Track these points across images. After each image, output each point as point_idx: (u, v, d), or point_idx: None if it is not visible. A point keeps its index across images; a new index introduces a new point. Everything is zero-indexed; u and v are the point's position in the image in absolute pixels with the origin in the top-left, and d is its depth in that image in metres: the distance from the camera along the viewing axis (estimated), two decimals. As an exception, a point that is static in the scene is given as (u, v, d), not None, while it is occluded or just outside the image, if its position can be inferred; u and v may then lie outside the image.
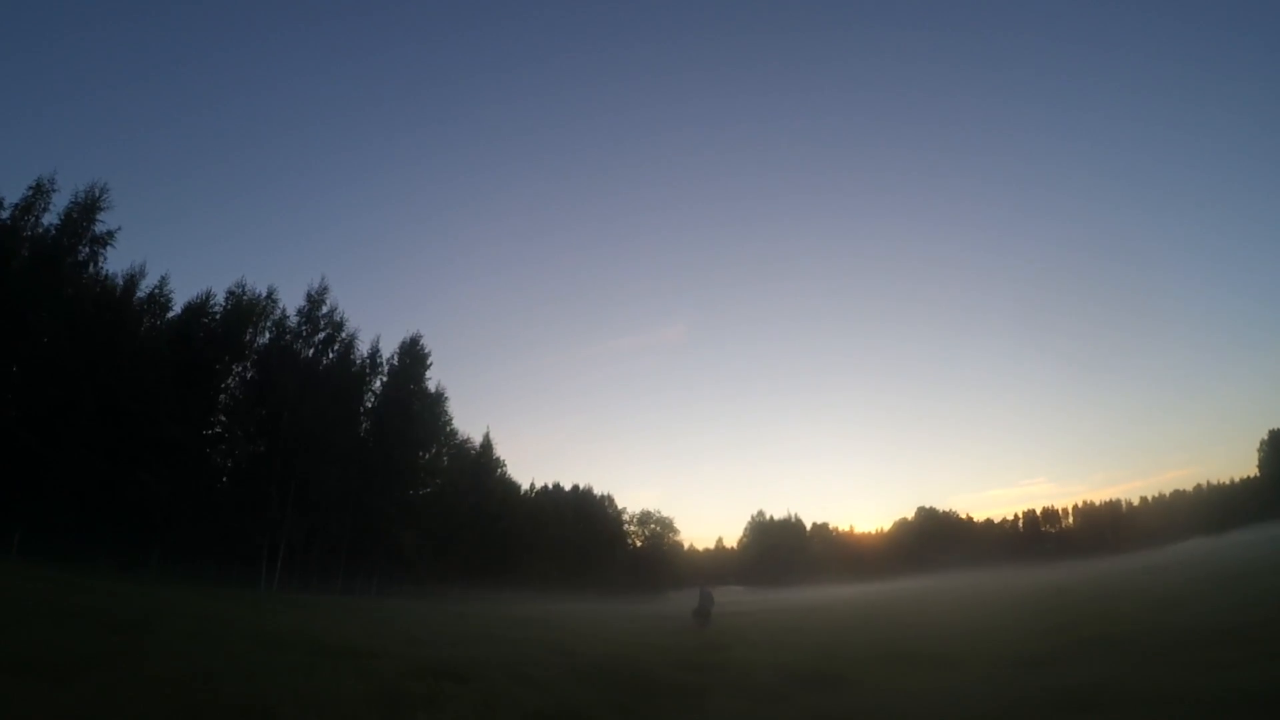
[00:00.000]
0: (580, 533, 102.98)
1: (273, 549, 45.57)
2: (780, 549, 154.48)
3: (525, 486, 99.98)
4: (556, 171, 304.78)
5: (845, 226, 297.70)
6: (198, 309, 48.89)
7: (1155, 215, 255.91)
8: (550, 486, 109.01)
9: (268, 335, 52.40)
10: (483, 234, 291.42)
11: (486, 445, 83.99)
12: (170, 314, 48.89)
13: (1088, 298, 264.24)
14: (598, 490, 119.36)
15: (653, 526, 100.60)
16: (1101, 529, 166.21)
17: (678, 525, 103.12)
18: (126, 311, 43.64)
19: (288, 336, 51.29)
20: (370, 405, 59.28)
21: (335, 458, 50.89)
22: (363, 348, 57.73)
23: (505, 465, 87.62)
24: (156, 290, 48.53)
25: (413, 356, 62.51)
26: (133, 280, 45.66)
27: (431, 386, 64.63)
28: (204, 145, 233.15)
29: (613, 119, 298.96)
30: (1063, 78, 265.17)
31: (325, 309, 53.07)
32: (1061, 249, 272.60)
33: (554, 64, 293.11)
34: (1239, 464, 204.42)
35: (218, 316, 49.95)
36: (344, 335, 54.48)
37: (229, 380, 50.42)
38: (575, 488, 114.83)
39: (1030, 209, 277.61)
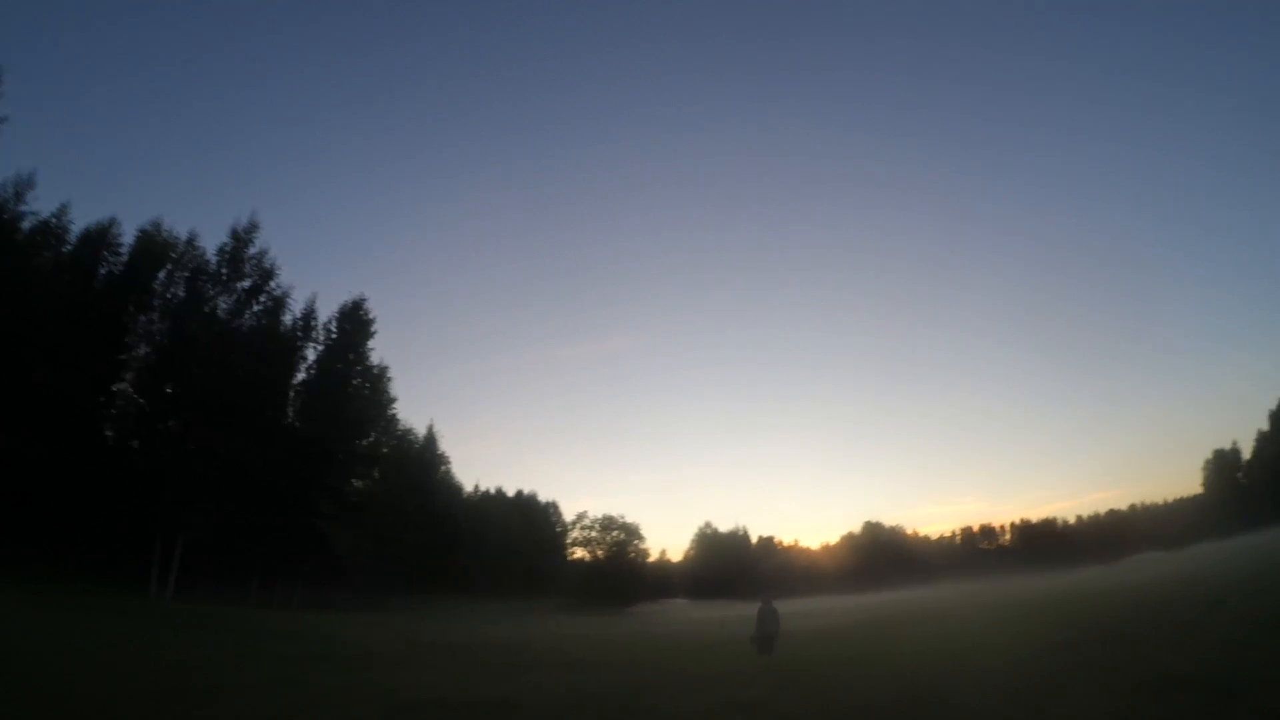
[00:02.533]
0: (528, 541, 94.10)
1: (169, 545, 35.81)
2: (727, 562, 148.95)
3: (469, 489, 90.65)
4: (509, 173, 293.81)
5: (791, 240, 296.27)
6: (96, 238, 39.39)
7: (1105, 236, 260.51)
8: (493, 491, 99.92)
9: (184, 289, 42.80)
10: (432, 222, 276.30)
11: (431, 439, 74.77)
12: (67, 249, 39.28)
13: (1025, 325, 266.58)
14: (542, 498, 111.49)
15: (615, 534, 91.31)
16: (1039, 545, 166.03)
17: (644, 533, 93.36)
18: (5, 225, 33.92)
19: (203, 280, 41.56)
20: (302, 377, 49.68)
21: (257, 435, 41.44)
22: (296, 307, 48.20)
23: (450, 463, 78.27)
24: (54, 219, 39.01)
25: (354, 323, 53.00)
26: (18, 192, 36.03)
27: (375, 361, 55.08)
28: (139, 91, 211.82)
29: (571, 123, 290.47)
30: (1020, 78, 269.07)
31: (253, 250, 43.50)
32: (1000, 276, 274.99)
33: (512, 66, 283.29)
34: (1174, 484, 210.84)
35: (123, 254, 40.35)
36: (274, 287, 44.97)
37: (132, 336, 40.76)
38: (519, 493, 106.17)
39: (981, 232, 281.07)
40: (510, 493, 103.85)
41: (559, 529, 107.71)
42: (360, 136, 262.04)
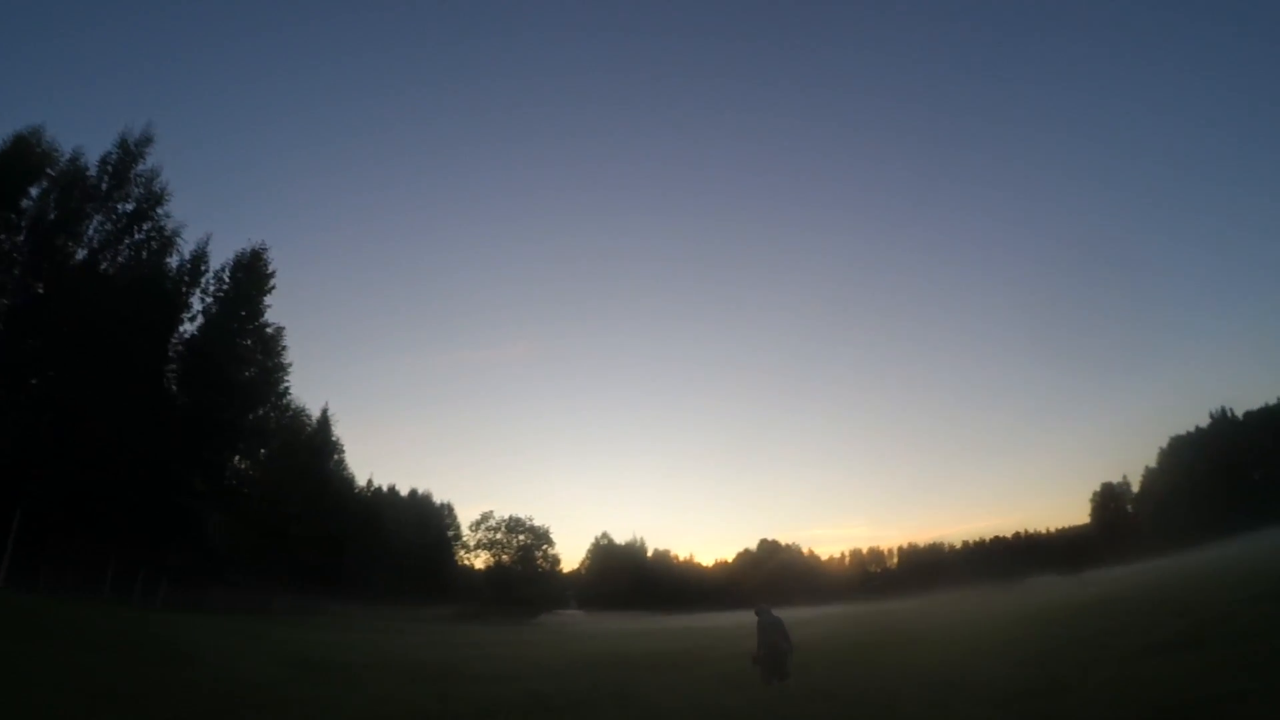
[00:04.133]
0: (425, 543, 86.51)
1: (3, 524, 28.05)
2: (622, 574, 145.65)
3: (361, 483, 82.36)
4: (413, 167, 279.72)
5: (693, 252, 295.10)
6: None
7: (1004, 272, 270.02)
8: (385, 489, 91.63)
9: (54, 209, 34.78)
10: (339, 190, 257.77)
11: (325, 423, 66.81)
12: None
13: (915, 358, 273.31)
14: (437, 499, 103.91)
15: (521, 537, 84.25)
16: (926, 569, 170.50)
17: (553, 537, 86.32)
18: None
19: (77, 195, 33.84)
20: (184, 333, 42.10)
21: (124, 396, 33.95)
22: (185, 249, 40.78)
23: (344, 451, 70.39)
24: None
25: (252, 275, 45.77)
26: None
27: (271, 323, 47.78)
28: None
29: (475, 120, 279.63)
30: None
31: (142, 167, 35.98)
32: (893, 306, 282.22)
33: (410, 66, 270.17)
34: (1057, 514, 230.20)
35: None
36: (162, 216, 37.50)
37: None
38: (414, 492, 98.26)
39: (875, 253, 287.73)
40: (404, 492, 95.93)
41: (452, 532, 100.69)
42: (289, 92, 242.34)
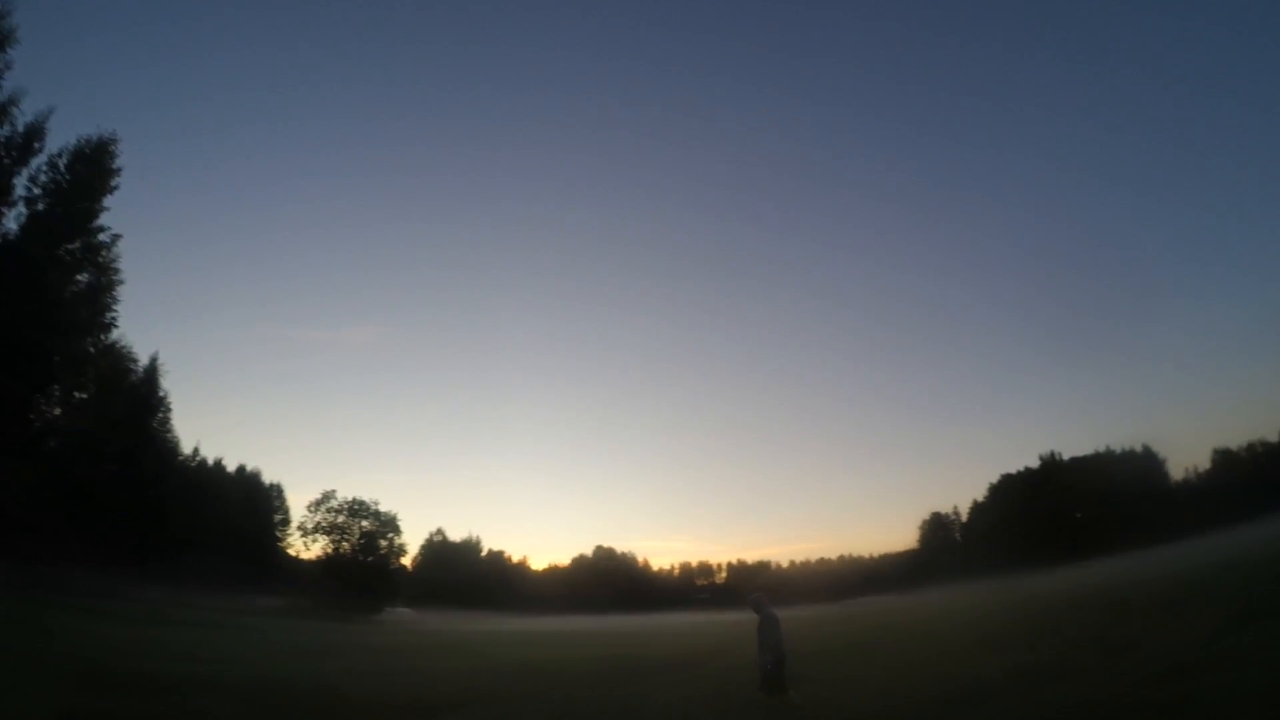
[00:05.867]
0: (253, 525, 75.32)
1: None
2: (457, 573, 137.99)
3: (187, 451, 70.31)
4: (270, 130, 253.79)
5: (534, 250, 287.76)
6: None
7: (851, 298, 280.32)
8: (213, 462, 78.97)
9: None
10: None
11: (153, 373, 55.62)
12: None
13: (752, 382, 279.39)
14: (267, 479, 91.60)
15: (365, 523, 74.30)
16: (754, 584, 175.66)
17: (401, 525, 76.61)
18: None
19: None
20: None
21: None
22: (19, 121, 31.21)
23: (170, 410, 59.09)
24: None
25: (93, 170, 36.45)
26: None
27: (107, 227, 38.21)
28: None
29: (344, 89, 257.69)
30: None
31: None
32: (730, 328, 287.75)
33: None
34: (878, 540, 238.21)
35: None
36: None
37: None
38: (242, 469, 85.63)
39: (713, 277, 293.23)
40: (231, 468, 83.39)
41: (280, 516, 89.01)
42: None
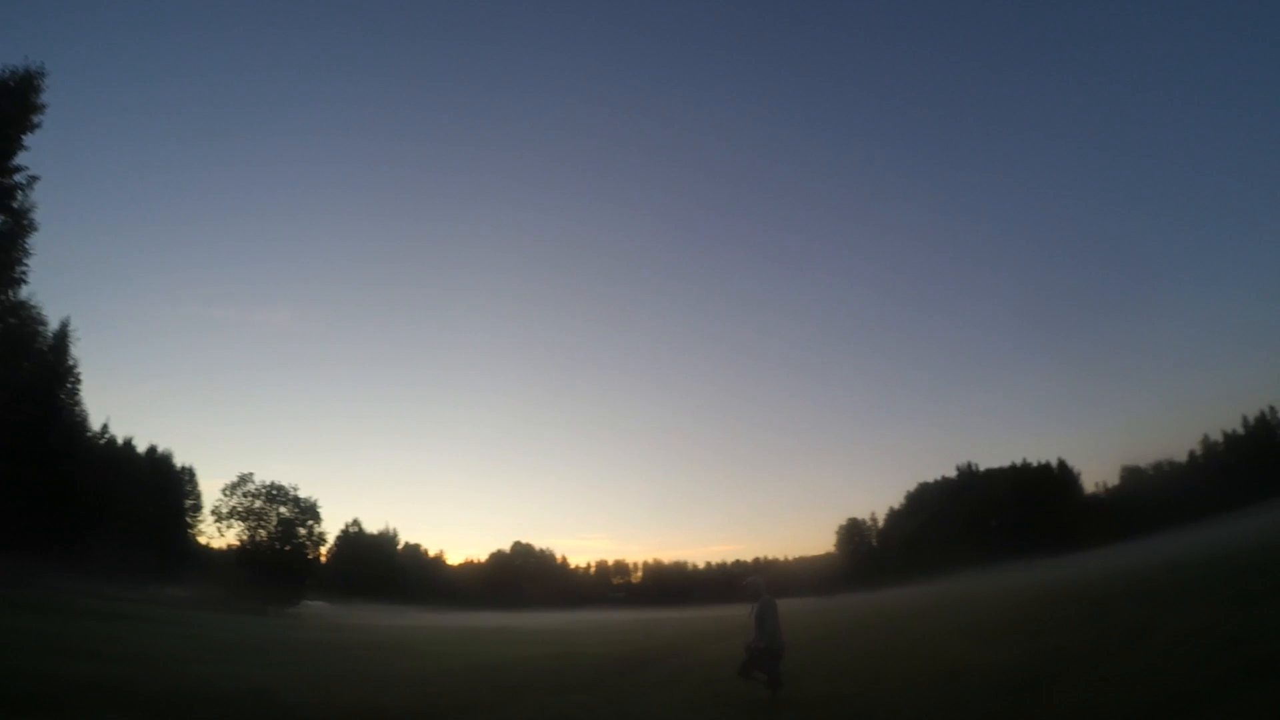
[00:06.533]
0: (162, 511, 70.25)
1: None
2: (371, 565, 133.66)
3: (96, 427, 65.09)
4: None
5: (459, 244, 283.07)
6: None
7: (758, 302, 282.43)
8: (122, 441, 73.16)
9: None
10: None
11: (63, 339, 51.01)
12: None
13: (672, 385, 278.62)
14: (179, 462, 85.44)
15: (284, 509, 70.21)
16: (671, 584, 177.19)
17: (321, 510, 72.48)
18: None
19: None
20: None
21: None
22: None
23: (80, 381, 54.37)
24: None
25: (15, 103, 33.24)
26: None
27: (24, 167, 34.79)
28: None
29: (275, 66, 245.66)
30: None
31: None
32: (642, 320, 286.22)
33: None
34: (794, 544, 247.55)
35: None
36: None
37: None
38: (153, 450, 79.55)
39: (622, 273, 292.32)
40: (142, 448, 77.55)
41: (191, 501, 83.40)
42: None
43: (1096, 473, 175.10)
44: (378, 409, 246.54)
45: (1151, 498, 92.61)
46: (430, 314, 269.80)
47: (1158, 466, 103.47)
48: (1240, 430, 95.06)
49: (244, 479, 71.08)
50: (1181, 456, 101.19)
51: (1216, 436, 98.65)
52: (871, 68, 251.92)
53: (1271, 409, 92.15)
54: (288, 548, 70.35)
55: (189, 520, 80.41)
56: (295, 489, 72.00)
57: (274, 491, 71.38)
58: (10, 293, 38.15)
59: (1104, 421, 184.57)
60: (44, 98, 34.84)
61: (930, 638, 20.24)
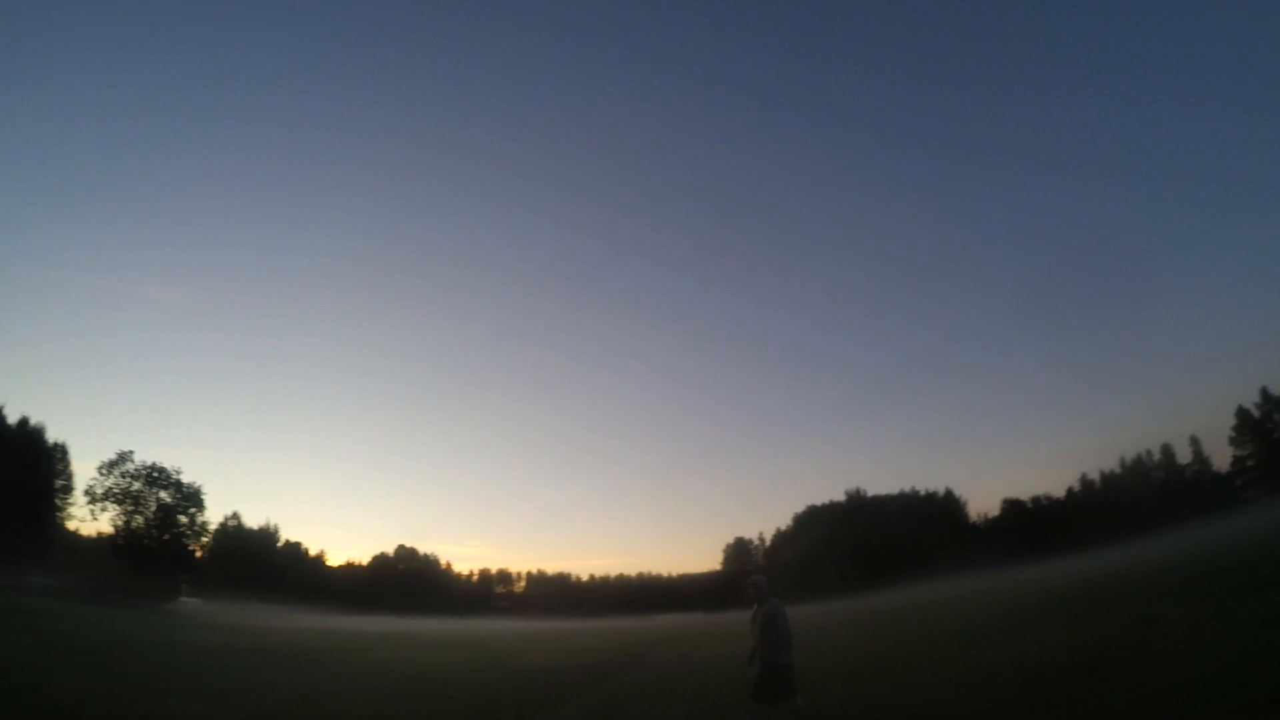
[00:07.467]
0: (29, 490, 65.07)
1: None
2: (250, 562, 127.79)
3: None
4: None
5: (357, 242, 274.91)
6: None
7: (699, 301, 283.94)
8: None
9: None
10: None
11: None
12: None
13: (563, 395, 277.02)
14: (51, 437, 78.91)
15: (164, 495, 65.24)
16: (554, 595, 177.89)
17: (205, 499, 67.60)
18: None
19: None
20: None
21: None
22: None
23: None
24: None
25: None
26: None
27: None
28: None
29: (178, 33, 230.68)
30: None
31: None
32: (538, 326, 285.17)
33: None
34: (685, 561, 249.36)
35: None
36: None
37: None
38: (24, 422, 73.14)
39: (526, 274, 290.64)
40: (12, 419, 71.48)
41: (63, 482, 77.21)
42: None
43: (980, 503, 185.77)
44: (265, 400, 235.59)
45: (1030, 526, 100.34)
46: (328, 311, 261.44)
47: (1036, 500, 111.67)
48: (1117, 469, 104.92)
49: (123, 457, 65.75)
50: (1060, 492, 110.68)
51: (1094, 475, 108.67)
52: (867, 65, 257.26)
53: (1149, 452, 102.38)
54: (166, 537, 65.74)
55: (58, 502, 74.40)
56: (179, 472, 67.20)
57: (155, 474, 66.08)
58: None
59: (989, 455, 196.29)
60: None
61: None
